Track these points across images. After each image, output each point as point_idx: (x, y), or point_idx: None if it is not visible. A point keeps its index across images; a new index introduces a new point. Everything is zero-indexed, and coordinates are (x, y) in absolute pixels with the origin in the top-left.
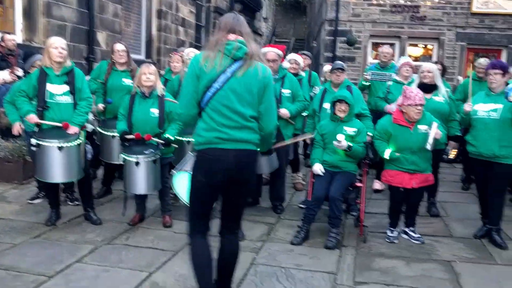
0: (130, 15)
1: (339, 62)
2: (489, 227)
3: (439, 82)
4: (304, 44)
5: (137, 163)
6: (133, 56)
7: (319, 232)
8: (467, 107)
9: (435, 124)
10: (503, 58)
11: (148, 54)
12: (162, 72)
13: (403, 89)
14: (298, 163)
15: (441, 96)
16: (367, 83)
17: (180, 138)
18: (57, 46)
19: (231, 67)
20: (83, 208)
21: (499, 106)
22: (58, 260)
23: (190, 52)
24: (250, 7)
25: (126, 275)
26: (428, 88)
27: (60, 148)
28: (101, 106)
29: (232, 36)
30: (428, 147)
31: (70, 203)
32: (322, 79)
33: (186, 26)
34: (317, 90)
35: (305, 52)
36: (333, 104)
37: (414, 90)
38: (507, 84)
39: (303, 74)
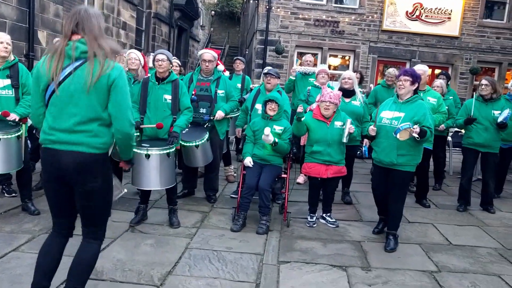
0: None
1: (272, 69)
2: (387, 231)
3: (356, 88)
4: (238, 51)
5: None
6: None
7: (249, 219)
8: (371, 131)
9: (349, 121)
10: None
11: None
12: None
13: (322, 89)
14: (229, 157)
15: (358, 100)
16: (293, 78)
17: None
18: (3, 41)
19: (68, 68)
20: (21, 199)
21: (401, 114)
22: None
23: (130, 53)
24: (188, 15)
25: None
26: (347, 93)
27: None
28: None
29: (75, 37)
30: (344, 140)
31: (6, 195)
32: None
33: (127, 30)
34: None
35: (240, 57)
36: (265, 104)
37: (328, 90)
38: (415, 92)
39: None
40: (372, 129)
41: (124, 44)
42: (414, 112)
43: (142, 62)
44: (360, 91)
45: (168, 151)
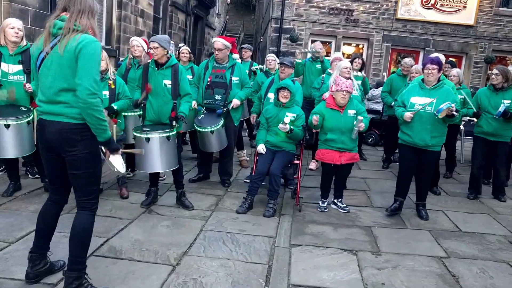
0: None
1: (287, 58)
2: (417, 203)
3: (352, 76)
4: (252, 39)
5: None
6: None
7: (262, 203)
8: (408, 118)
9: (360, 118)
10: (421, 58)
11: (108, 42)
12: (122, 58)
13: (334, 78)
14: (241, 141)
15: (355, 90)
16: (299, 61)
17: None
18: (14, 26)
19: (50, 44)
20: (41, 179)
21: (433, 100)
22: (19, 228)
23: (133, 40)
24: (204, 3)
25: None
26: None
27: (7, 126)
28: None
29: (64, 14)
30: (353, 136)
31: (30, 176)
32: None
33: (144, 17)
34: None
35: (245, 45)
36: (277, 91)
37: (343, 79)
38: (439, 80)
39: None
40: (409, 116)
41: (142, 31)
42: (445, 96)
43: (146, 48)
44: (359, 76)
45: (168, 134)
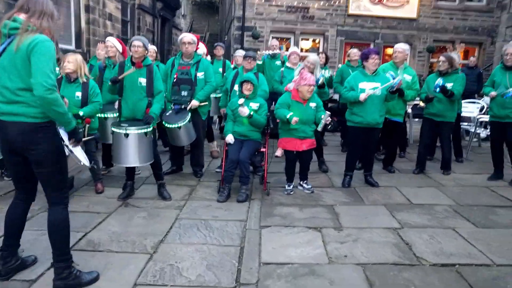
0: (60, 8)
1: (251, 52)
2: (365, 174)
3: (317, 71)
4: (218, 38)
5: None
6: (64, 46)
7: (233, 190)
8: (363, 97)
9: (327, 113)
10: None
11: (78, 45)
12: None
13: (300, 72)
14: (212, 133)
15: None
16: (260, 62)
17: (100, 115)
18: None
19: (3, 44)
20: None
21: (378, 84)
22: None
23: (107, 41)
24: (170, 6)
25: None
26: None
27: None
28: None
29: (19, 14)
30: (319, 129)
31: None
32: (233, 64)
33: (113, 21)
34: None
35: (220, 43)
36: (241, 84)
37: (309, 73)
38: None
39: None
40: (364, 97)
41: (111, 34)
42: (385, 80)
43: (120, 49)
44: (323, 72)
45: (145, 130)
